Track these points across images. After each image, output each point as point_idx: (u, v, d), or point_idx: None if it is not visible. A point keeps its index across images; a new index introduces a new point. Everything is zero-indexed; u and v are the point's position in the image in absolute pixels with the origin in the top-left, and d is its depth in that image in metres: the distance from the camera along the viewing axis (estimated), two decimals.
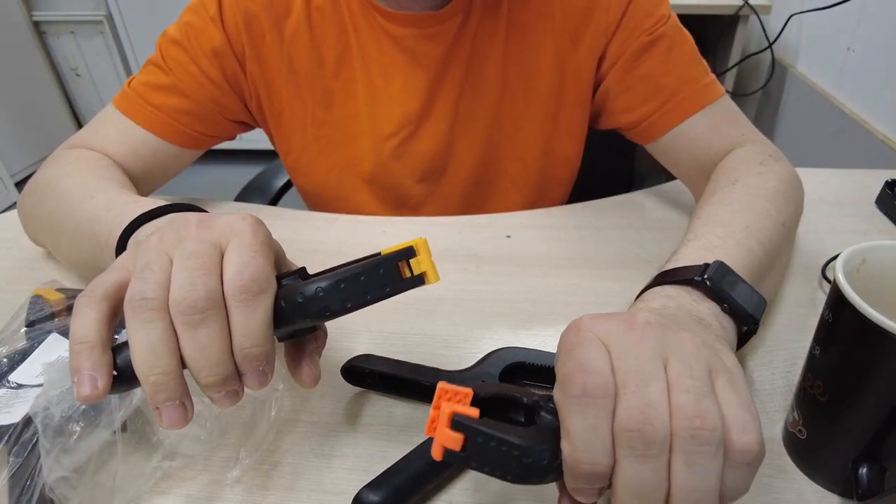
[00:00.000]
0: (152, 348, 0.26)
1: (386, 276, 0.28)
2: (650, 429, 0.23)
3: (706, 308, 0.32)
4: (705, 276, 0.33)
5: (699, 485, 0.23)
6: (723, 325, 0.32)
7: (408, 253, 0.28)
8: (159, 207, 0.38)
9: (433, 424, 0.25)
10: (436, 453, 0.24)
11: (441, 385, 0.26)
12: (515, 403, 0.28)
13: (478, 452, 0.24)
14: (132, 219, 0.37)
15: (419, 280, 0.28)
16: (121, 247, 0.36)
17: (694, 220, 0.44)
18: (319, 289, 0.27)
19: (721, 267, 0.34)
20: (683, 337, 0.26)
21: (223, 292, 0.27)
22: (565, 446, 0.24)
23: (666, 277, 0.35)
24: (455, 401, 0.25)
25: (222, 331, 0.27)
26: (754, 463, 0.23)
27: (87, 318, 0.27)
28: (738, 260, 0.37)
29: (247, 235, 0.29)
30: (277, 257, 0.32)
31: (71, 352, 0.26)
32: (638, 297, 0.36)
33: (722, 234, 0.40)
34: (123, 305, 0.27)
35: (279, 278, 0.30)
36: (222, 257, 0.28)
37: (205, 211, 0.38)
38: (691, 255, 0.37)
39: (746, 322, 0.33)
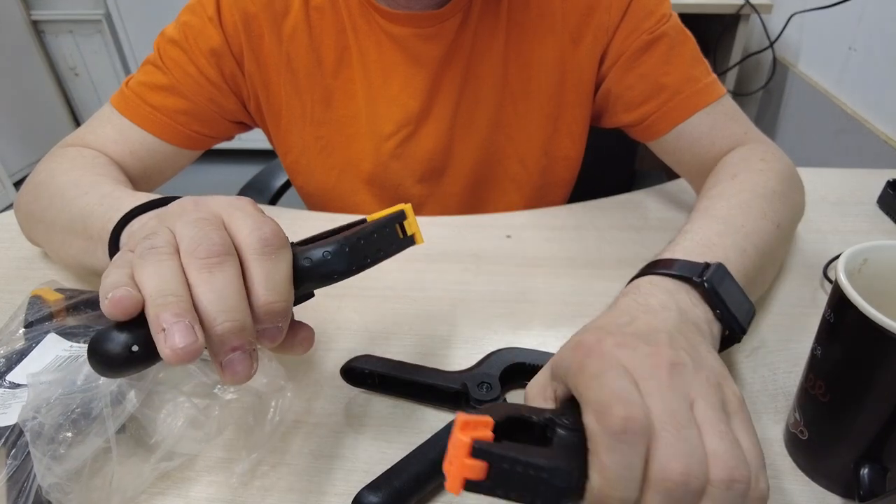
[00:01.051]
0: (166, 280, 0.25)
1: (386, 237, 0.30)
2: (694, 480, 0.22)
3: (701, 312, 0.32)
4: (704, 279, 0.33)
5: None
6: (712, 332, 0.32)
7: (400, 216, 0.31)
8: (153, 200, 0.37)
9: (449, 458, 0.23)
10: (454, 487, 0.23)
11: (460, 417, 0.23)
12: (525, 423, 0.26)
13: (503, 479, 0.22)
14: (126, 211, 0.36)
15: (411, 241, 0.31)
16: (114, 239, 0.36)
17: (693, 213, 0.44)
18: (327, 252, 0.28)
19: (720, 270, 0.34)
20: (703, 377, 0.26)
21: (238, 246, 0.27)
22: (596, 479, 0.23)
23: (663, 268, 0.35)
24: (473, 429, 0.24)
25: (239, 278, 0.26)
26: None
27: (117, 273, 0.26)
28: (733, 263, 0.37)
29: (248, 207, 0.29)
30: None
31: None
32: (631, 281, 0.36)
33: (720, 231, 0.40)
34: (133, 261, 0.26)
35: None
36: (225, 227, 0.28)
37: None
38: (689, 250, 0.37)
39: (734, 330, 0.33)
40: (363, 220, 0.32)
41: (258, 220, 0.28)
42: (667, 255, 0.37)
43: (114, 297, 0.24)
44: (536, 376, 0.30)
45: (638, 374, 0.25)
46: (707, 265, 0.34)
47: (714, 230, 0.40)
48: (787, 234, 0.47)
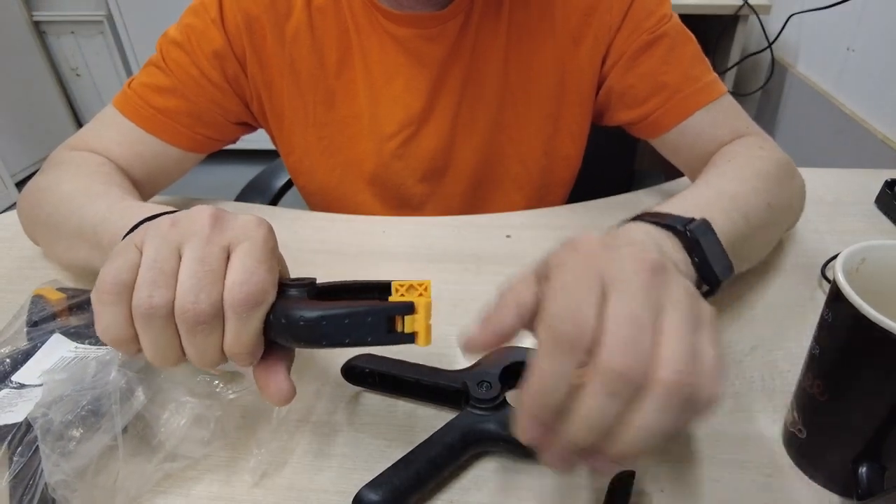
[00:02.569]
0: (162, 351, 0.29)
1: (377, 328, 0.29)
2: (636, 375, 0.23)
3: (680, 258, 0.33)
4: (687, 228, 0.34)
5: (662, 429, 0.23)
6: (689, 277, 0.33)
7: (406, 309, 0.29)
8: (166, 212, 0.37)
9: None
10: None
11: None
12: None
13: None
14: (139, 220, 0.37)
15: (409, 339, 0.29)
16: None
17: (693, 186, 0.45)
18: (303, 318, 0.28)
19: (703, 224, 0.35)
20: (682, 285, 0.26)
21: (224, 291, 0.29)
22: (532, 380, 0.25)
23: (649, 217, 0.35)
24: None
25: (217, 336, 0.29)
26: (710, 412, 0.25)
27: (113, 318, 0.29)
28: (718, 224, 0.37)
29: (258, 244, 0.30)
30: (280, 267, 0.32)
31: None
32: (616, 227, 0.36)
33: (710, 198, 0.41)
34: (132, 305, 0.29)
35: (286, 286, 0.31)
36: (228, 259, 0.30)
37: None
38: (677, 206, 0.38)
39: (710, 282, 0.34)
40: (388, 285, 0.31)
41: (248, 269, 0.29)
42: (654, 210, 0.37)
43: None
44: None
45: (615, 275, 0.25)
46: (692, 219, 0.35)
47: (705, 196, 0.42)
48: (779, 216, 0.48)
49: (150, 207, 0.40)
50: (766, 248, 0.49)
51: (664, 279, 0.26)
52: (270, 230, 0.31)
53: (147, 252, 0.29)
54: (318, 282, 0.33)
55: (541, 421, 0.25)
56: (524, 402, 0.26)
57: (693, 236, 0.34)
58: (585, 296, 0.25)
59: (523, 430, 0.26)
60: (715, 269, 0.34)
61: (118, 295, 0.28)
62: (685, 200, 0.40)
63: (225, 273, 0.29)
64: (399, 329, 0.29)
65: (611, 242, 0.28)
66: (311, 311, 0.29)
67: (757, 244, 0.45)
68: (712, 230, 0.35)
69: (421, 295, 0.31)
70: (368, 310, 0.28)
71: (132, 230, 0.36)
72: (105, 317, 0.29)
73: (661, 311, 0.25)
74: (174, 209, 0.38)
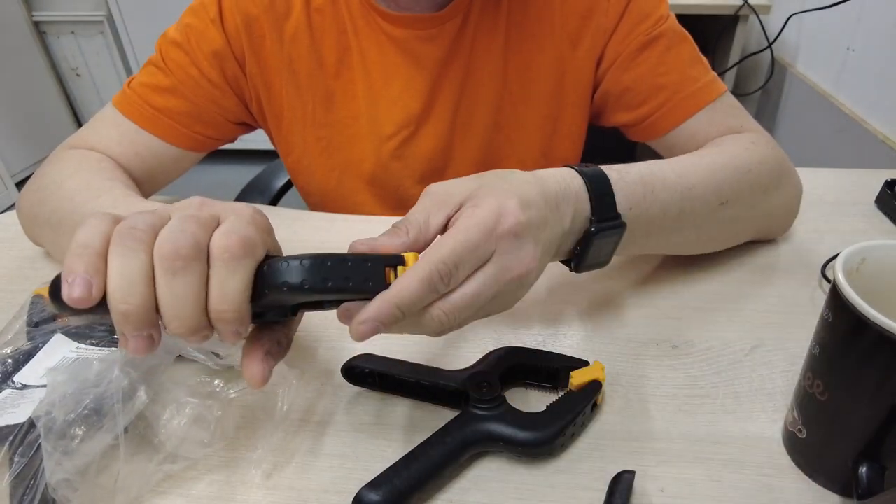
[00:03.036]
0: (129, 278, 0.26)
1: (371, 271, 0.29)
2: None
3: (581, 208, 0.37)
4: (594, 227, 0.37)
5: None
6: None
7: (396, 260, 0.30)
8: None
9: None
10: None
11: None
12: None
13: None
14: None
15: None
16: None
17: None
18: (304, 260, 0.28)
19: (615, 229, 0.38)
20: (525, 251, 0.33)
21: (210, 246, 0.27)
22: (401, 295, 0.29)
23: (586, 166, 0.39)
24: None
25: (199, 284, 0.27)
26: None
27: (93, 229, 0.27)
28: (649, 215, 0.41)
29: (246, 212, 0.30)
30: (274, 251, 0.32)
31: (70, 254, 0.26)
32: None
33: (667, 184, 0.42)
34: (112, 236, 0.27)
35: (268, 257, 0.30)
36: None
37: None
38: (630, 184, 0.40)
39: (574, 265, 0.39)
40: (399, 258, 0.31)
41: (237, 225, 0.28)
42: (609, 172, 0.39)
43: (71, 294, 0.26)
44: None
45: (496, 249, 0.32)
46: (616, 217, 0.38)
47: (667, 176, 0.42)
48: (735, 216, 0.47)
49: (154, 205, 0.39)
50: (703, 243, 0.48)
51: (516, 243, 0.32)
52: (260, 212, 0.31)
53: (127, 220, 0.28)
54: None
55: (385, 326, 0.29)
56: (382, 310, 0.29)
57: (594, 232, 0.37)
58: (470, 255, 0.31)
59: (365, 331, 0.29)
60: (585, 261, 0.38)
61: (114, 217, 0.28)
62: (643, 171, 0.42)
63: (212, 230, 0.28)
64: (392, 280, 0.30)
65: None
66: (293, 259, 0.28)
67: (685, 237, 0.46)
68: (619, 230, 0.38)
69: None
70: (367, 256, 0.30)
71: None
72: (87, 226, 0.27)
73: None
74: None
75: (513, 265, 0.32)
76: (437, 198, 0.34)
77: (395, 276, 0.29)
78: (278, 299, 0.29)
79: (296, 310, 0.32)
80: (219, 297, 0.27)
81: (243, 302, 0.27)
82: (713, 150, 0.50)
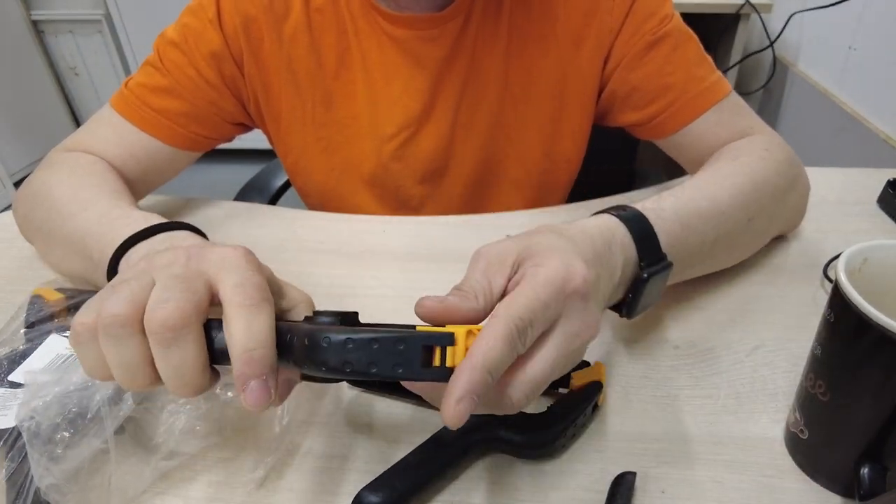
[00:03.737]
0: (126, 366, 0.26)
1: (408, 357, 0.25)
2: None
3: (627, 241, 0.36)
4: (644, 273, 0.36)
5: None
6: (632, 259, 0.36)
7: (445, 339, 0.25)
8: (151, 227, 0.37)
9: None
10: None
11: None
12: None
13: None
14: (124, 238, 0.37)
15: (446, 375, 0.25)
16: (112, 266, 0.36)
17: (688, 180, 0.46)
18: (349, 341, 0.25)
19: (664, 270, 0.37)
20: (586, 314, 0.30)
21: (223, 300, 0.27)
22: (484, 359, 0.26)
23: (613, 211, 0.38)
24: None
25: (195, 349, 0.26)
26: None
27: (80, 327, 0.26)
28: (689, 249, 0.41)
29: (241, 263, 0.29)
30: (270, 281, 0.30)
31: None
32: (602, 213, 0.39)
33: (702, 215, 0.42)
34: (98, 332, 0.26)
35: (319, 314, 0.29)
36: (209, 287, 0.28)
37: (199, 233, 0.38)
38: (668, 224, 0.39)
39: (626, 312, 0.38)
40: (412, 328, 0.27)
41: (244, 275, 0.28)
42: (646, 212, 0.39)
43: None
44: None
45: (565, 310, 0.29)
46: (665, 261, 0.37)
47: (697, 208, 0.42)
48: (760, 228, 0.48)
49: (137, 219, 0.40)
50: (734, 259, 0.49)
51: (582, 304, 0.30)
52: (248, 251, 0.30)
53: (116, 279, 0.28)
54: (361, 320, 0.30)
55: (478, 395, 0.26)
56: (470, 380, 0.25)
57: (646, 278, 0.36)
58: (542, 312, 0.28)
59: (464, 411, 0.25)
60: (640, 303, 0.37)
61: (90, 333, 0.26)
62: (675, 204, 0.41)
63: (204, 290, 0.27)
64: (436, 363, 0.25)
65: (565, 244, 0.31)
66: (336, 334, 0.25)
67: (721, 259, 0.47)
68: (668, 270, 0.38)
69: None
70: (401, 336, 0.25)
71: (119, 248, 0.36)
72: (83, 355, 0.27)
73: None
74: (162, 223, 0.38)
75: (581, 329, 0.30)
76: (492, 260, 0.31)
77: (443, 359, 0.25)
78: (301, 368, 0.27)
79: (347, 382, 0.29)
80: (247, 339, 0.26)
81: (271, 340, 0.26)
82: (731, 164, 0.48)
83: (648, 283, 0.36)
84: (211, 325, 0.27)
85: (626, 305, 0.37)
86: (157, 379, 0.27)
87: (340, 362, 0.25)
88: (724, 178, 0.46)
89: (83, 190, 0.47)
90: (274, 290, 0.30)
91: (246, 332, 0.26)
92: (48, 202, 0.47)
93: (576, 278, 0.29)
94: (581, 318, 0.29)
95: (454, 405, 0.25)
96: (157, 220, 0.39)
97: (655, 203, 0.40)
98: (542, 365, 0.28)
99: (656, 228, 0.38)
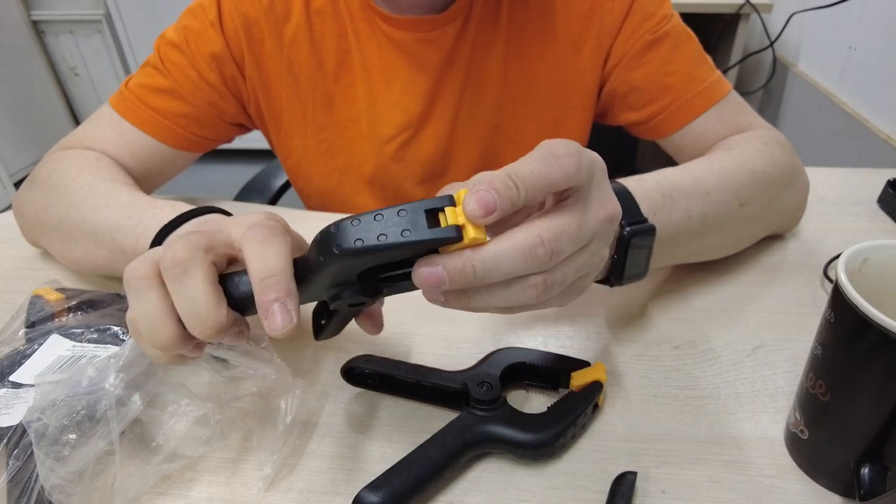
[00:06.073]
0: (151, 317, 0.28)
1: (413, 218, 0.25)
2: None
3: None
4: (626, 230, 0.37)
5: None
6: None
7: (446, 201, 0.26)
8: (185, 213, 0.39)
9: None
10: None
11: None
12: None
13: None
14: (160, 227, 0.39)
15: (453, 235, 0.25)
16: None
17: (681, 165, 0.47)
18: (355, 220, 0.25)
19: (647, 233, 0.38)
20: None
21: (241, 243, 0.28)
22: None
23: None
24: None
25: (205, 280, 0.27)
26: None
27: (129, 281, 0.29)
28: (673, 222, 0.41)
29: (259, 217, 0.30)
30: (299, 243, 0.33)
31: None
32: None
33: (685, 190, 0.43)
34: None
35: None
36: (226, 238, 0.30)
37: (226, 213, 0.40)
38: (648, 192, 0.40)
39: (610, 279, 0.39)
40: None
41: (258, 219, 0.29)
42: (629, 186, 0.39)
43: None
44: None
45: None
46: (645, 224, 0.38)
47: (682, 185, 0.43)
48: (754, 217, 0.48)
49: (165, 207, 0.41)
50: (724, 245, 0.49)
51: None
52: (274, 215, 0.31)
53: (131, 264, 0.30)
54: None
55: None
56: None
57: (623, 241, 0.37)
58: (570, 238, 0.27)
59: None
60: (626, 272, 0.38)
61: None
62: (661, 183, 0.42)
63: (216, 240, 0.29)
64: (442, 223, 0.26)
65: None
66: (342, 221, 0.26)
67: (709, 239, 0.46)
68: (650, 238, 0.38)
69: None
70: (402, 206, 0.26)
71: (157, 237, 0.38)
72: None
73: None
74: (186, 206, 0.40)
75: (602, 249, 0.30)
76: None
77: (447, 219, 0.26)
78: (338, 271, 0.27)
79: (371, 291, 0.29)
80: (262, 268, 0.27)
81: (288, 266, 0.27)
82: (724, 153, 0.50)
83: (632, 243, 0.37)
84: (234, 274, 0.29)
85: (613, 272, 0.38)
86: (181, 333, 0.28)
87: (352, 241, 0.25)
88: (711, 163, 0.47)
89: (100, 184, 0.47)
90: (304, 248, 0.32)
91: (261, 262, 0.27)
92: (64, 199, 0.47)
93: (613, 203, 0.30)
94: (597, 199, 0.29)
95: (484, 193, 0.25)
96: (183, 206, 0.41)
97: (637, 177, 0.42)
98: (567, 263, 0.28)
99: (635, 195, 0.39)
